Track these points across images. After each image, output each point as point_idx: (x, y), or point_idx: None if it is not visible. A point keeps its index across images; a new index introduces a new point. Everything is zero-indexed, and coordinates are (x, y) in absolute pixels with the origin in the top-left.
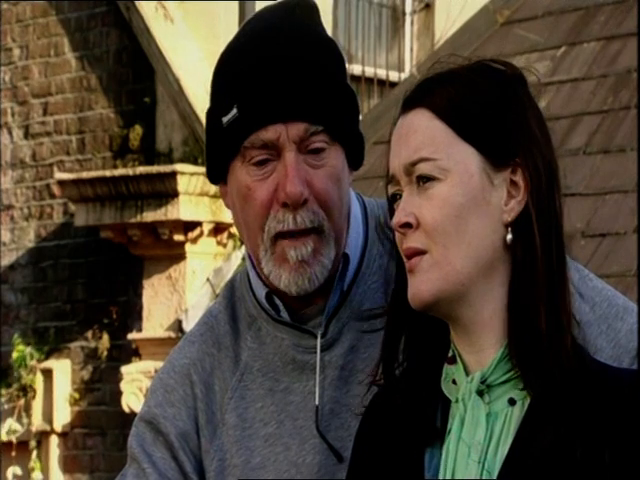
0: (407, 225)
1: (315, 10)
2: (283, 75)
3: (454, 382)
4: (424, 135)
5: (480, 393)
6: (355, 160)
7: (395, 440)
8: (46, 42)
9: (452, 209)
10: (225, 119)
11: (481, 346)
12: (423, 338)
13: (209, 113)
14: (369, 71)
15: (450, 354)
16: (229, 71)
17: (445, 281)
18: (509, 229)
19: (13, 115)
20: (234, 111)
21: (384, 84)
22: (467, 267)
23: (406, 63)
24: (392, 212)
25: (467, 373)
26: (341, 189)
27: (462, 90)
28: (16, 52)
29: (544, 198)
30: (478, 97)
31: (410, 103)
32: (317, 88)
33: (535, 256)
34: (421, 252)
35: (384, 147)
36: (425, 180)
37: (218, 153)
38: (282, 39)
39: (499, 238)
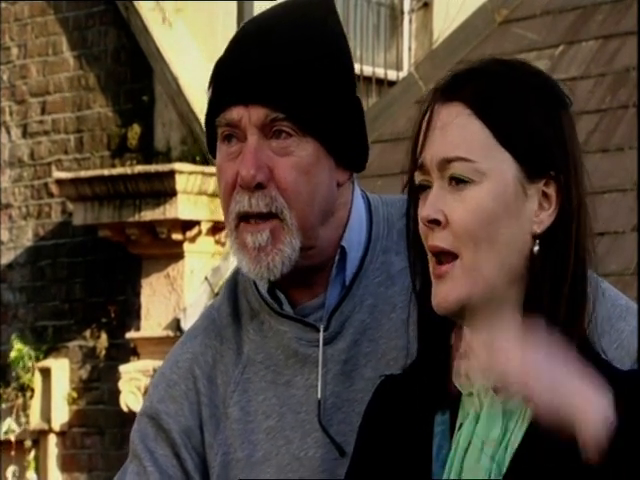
0: (435, 222)
1: (326, 8)
2: (250, 60)
3: (467, 376)
4: (462, 133)
5: (496, 390)
6: (349, 159)
7: (402, 429)
8: (44, 41)
9: (485, 215)
10: (207, 96)
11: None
12: (436, 329)
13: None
14: (367, 70)
15: (462, 350)
16: (221, 55)
17: (473, 288)
18: (537, 240)
19: (11, 114)
20: (211, 89)
21: (382, 83)
22: (495, 274)
23: (404, 62)
24: (413, 200)
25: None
26: (310, 182)
27: (505, 92)
28: (14, 51)
29: (573, 212)
30: (522, 102)
31: (448, 94)
32: (283, 77)
33: (559, 269)
34: (447, 252)
35: (382, 146)
36: (459, 181)
37: (206, 131)
38: (269, 32)
39: (527, 248)
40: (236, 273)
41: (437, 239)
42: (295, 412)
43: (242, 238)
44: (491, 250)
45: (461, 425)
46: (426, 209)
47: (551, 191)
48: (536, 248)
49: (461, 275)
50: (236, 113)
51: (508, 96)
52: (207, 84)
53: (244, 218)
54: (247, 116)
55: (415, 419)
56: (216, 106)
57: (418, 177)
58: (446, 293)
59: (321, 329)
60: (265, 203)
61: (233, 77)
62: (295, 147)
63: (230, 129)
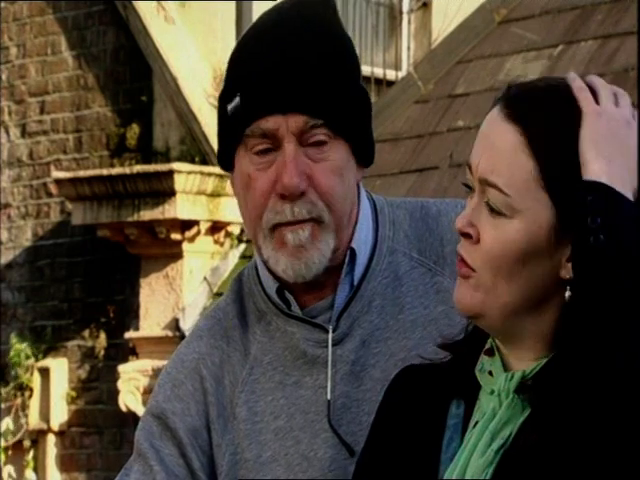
0: (467, 235)
1: (331, 7)
2: (286, 67)
3: (490, 373)
4: (509, 161)
5: (517, 391)
6: (364, 156)
7: (416, 418)
8: (43, 41)
9: (513, 252)
10: (229, 107)
11: (522, 354)
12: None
13: (219, 99)
14: (366, 70)
15: (488, 346)
16: (237, 60)
17: (489, 308)
18: (567, 287)
19: (10, 114)
20: (237, 99)
21: (381, 83)
22: (515, 305)
23: (403, 62)
24: None
25: (505, 367)
26: (344, 183)
27: (566, 131)
28: (13, 51)
29: None
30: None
31: (511, 111)
32: (319, 82)
33: (596, 317)
34: (470, 267)
35: (381, 145)
36: (493, 209)
37: (225, 140)
38: (291, 34)
39: (554, 288)
40: (240, 275)
41: (464, 251)
42: (304, 413)
43: (280, 238)
44: (513, 283)
45: (476, 423)
46: (460, 220)
47: None
48: (567, 294)
49: (477, 288)
50: (273, 122)
51: (567, 137)
52: (224, 92)
53: (282, 225)
54: (285, 125)
55: (430, 409)
56: (249, 116)
57: (467, 173)
58: (461, 295)
59: (330, 330)
60: (307, 210)
61: (269, 86)
62: (329, 151)
63: (265, 140)
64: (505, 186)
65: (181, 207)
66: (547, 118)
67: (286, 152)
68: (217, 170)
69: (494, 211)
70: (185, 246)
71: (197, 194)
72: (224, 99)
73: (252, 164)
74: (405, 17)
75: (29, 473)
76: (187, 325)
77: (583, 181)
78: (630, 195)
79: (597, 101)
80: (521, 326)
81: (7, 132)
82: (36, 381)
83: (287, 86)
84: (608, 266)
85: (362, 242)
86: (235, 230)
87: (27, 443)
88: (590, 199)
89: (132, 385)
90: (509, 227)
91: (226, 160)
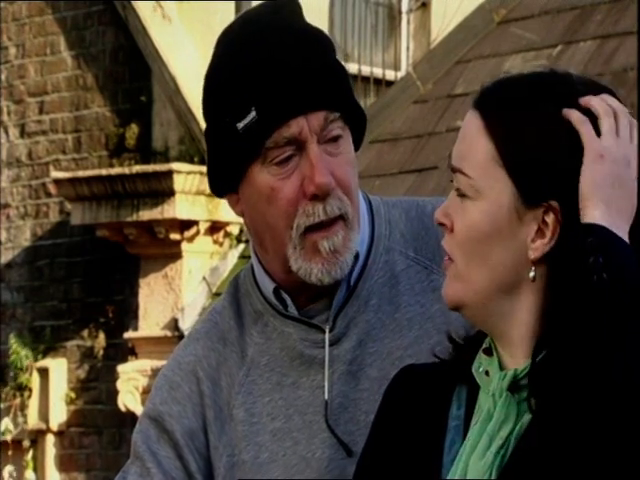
0: (444, 226)
1: (298, 5)
2: (294, 69)
3: (487, 373)
4: (470, 145)
5: (512, 390)
6: (357, 143)
7: (417, 420)
8: (42, 41)
9: (477, 234)
10: (241, 124)
11: (513, 351)
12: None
13: (214, 124)
14: (365, 70)
15: (487, 345)
16: (235, 78)
17: (465, 295)
18: (533, 267)
19: (9, 114)
20: (252, 114)
21: (380, 83)
22: (488, 289)
23: (402, 62)
24: None
25: (501, 367)
26: (355, 173)
27: (523, 111)
28: (12, 51)
29: (574, 244)
30: (535, 126)
31: (476, 100)
32: (327, 75)
33: (563, 299)
34: (450, 258)
35: (380, 146)
36: (461, 195)
37: (232, 161)
38: (281, 38)
39: (525, 270)
40: (237, 277)
41: (445, 241)
42: (302, 413)
43: (313, 246)
44: (483, 266)
45: (476, 422)
46: (437, 211)
47: (550, 220)
48: (531, 274)
49: (455, 277)
50: (295, 126)
51: (523, 116)
52: (223, 113)
53: (314, 228)
54: (306, 126)
55: (430, 410)
56: (269, 126)
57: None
58: (445, 288)
59: (327, 330)
60: (337, 207)
61: (287, 91)
62: (344, 144)
63: (288, 147)
64: (468, 169)
65: (180, 207)
66: (504, 100)
67: (311, 153)
68: None
69: (462, 196)
70: (184, 246)
71: (196, 194)
72: (229, 120)
73: (272, 175)
74: (404, 17)
75: (29, 473)
76: (186, 325)
77: (583, 224)
78: (624, 236)
79: (597, 129)
80: (501, 314)
81: (6, 132)
82: (35, 381)
83: (303, 86)
84: (611, 300)
85: (360, 242)
86: (234, 230)
87: (26, 443)
88: (590, 240)
89: (131, 385)
90: (474, 209)
91: (224, 184)
